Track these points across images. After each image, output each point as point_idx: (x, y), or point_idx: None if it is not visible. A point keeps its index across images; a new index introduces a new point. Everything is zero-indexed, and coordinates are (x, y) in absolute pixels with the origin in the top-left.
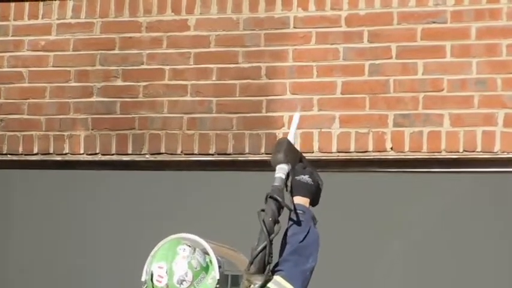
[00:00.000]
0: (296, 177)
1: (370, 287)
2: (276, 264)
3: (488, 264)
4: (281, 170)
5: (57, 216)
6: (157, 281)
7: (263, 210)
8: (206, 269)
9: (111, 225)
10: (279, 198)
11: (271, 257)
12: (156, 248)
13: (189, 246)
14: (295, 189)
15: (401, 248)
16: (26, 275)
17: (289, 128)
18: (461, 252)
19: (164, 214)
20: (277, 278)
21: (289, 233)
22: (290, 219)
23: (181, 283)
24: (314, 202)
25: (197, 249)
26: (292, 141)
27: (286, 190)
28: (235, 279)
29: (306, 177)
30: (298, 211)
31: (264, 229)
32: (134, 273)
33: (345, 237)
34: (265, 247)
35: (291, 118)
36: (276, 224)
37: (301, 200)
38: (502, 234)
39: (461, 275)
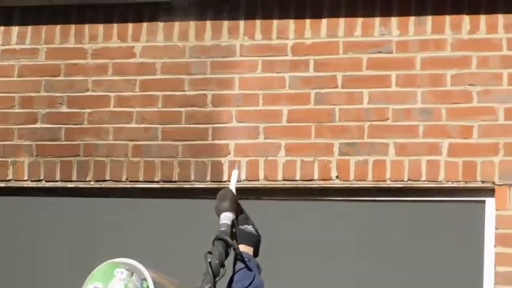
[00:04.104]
0: (240, 227)
1: None
2: None
3: None
4: (226, 218)
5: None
6: None
7: (210, 253)
8: None
9: (55, 253)
10: (228, 239)
11: None
12: (93, 271)
13: (127, 270)
14: (239, 237)
15: (346, 276)
16: None
17: (230, 174)
18: (407, 280)
19: (109, 241)
20: None
21: (235, 279)
22: (235, 265)
23: None
24: (256, 253)
25: (135, 274)
26: (234, 192)
27: (232, 239)
28: None
29: (249, 227)
30: (244, 258)
31: (210, 271)
32: None
33: (290, 264)
34: None
35: (237, 146)
36: (222, 268)
37: (245, 249)
38: (446, 262)
39: None
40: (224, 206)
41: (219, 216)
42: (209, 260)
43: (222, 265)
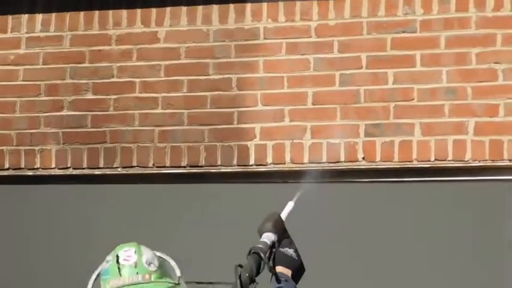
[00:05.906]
0: (281, 249)
1: None
2: None
3: (460, 271)
4: (266, 237)
5: (29, 231)
6: (125, 260)
7: (240, 266)
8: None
9: (85, 239)
10: (262, 254)
11: None
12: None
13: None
14: (278, 259)
15: (374, 258)
16: None
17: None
18: (435, 261)
19: (136, 228)
20: None
21: None
22: (272, 285)
23: (149, 265)
24: (294, 278)
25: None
26: (283, 219)
27: (269, 259)
28: None
29: (291, 251)
30: (280, 278)
31: (238, 284)
32: None
33: (316, 248)
34: None
35: (263, 130)
36: (252, 283)
37: (283, 270)
38: (474, 241)
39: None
40: (267, 227)
41: (260, 236)
42: (239, 273)
43: (252, 280)
